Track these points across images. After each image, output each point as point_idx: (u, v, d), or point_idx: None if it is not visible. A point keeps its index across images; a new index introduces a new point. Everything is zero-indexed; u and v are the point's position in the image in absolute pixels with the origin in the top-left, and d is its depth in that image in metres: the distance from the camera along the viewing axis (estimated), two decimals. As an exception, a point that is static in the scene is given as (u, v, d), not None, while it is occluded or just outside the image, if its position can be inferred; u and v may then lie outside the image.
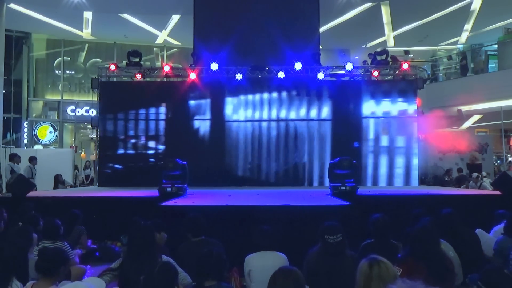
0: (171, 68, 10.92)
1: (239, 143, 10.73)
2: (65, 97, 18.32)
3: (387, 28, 16.22)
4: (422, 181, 11.07)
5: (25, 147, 16.38)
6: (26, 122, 17.43)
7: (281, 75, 10.48)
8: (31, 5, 14.41)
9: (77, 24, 16.05)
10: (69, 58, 18.67)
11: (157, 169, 7.77)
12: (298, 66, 10.36)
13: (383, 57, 10.97)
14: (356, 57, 17.26)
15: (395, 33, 16.61)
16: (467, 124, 14.26)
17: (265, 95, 10.77)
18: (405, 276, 2.36)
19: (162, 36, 17.42)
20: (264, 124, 10.75)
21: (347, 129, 10.65)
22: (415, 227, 3.50)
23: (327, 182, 8.57)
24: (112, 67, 10.82)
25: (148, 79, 11.14)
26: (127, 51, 11.37)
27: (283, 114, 10.74)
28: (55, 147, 17.44)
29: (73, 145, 17.48)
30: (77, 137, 18.60)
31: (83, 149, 18.28)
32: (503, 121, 12.87)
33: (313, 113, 10.72)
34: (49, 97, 18.63)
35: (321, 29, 12.85)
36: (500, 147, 13.92)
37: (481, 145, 13.43)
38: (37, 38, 18.31)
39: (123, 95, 10.92)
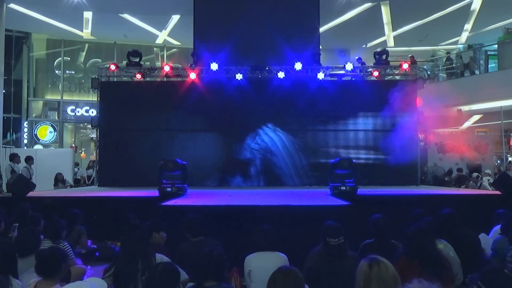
0: (171, 68, 10.93)
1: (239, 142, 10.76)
2: (65, 97, 18.32)
3: (387, 28, 16.21)
4: (422, 181, 11.07)
5: (25, 147, 16.38)
6: (26, 122, 17.44)
7: (281, 75, 10.49)
8: (31, 5, 14.41)
9: (77, 24, 16.05)
10: (69, 58, 18.67)
11: (157, 169, 7.75)
12: (298, 66, 10.36)
13: (383, 57, 10.98)
14: (356, 57, 17.24)
15: (395, 33, 16.61)
16: (467, 124, 14.25)
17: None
18: (399, 274, 2.36)
19: (162, 36, 17.42)
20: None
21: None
22: (411, 227, 3.51)
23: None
24: (112, 67, 10.83)
25: (148, 79, 11.15)
26: (127, 51, 11.39)
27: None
28: (55, 147, 17.43)
29: (73, 145, 17.48)
30: (77, 137, 18.60)
31: (83, 149, 18.27)
32: (503, 121, 12.86)
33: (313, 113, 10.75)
34: (49, 97, 18.63)
35: (321, 29, 12.86)
36: (500, 147, 13.91)
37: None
38: (37, 38, 18.31)
39: (123, 95, 10.93)
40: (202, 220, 4.28)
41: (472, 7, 14.63)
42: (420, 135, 10.80)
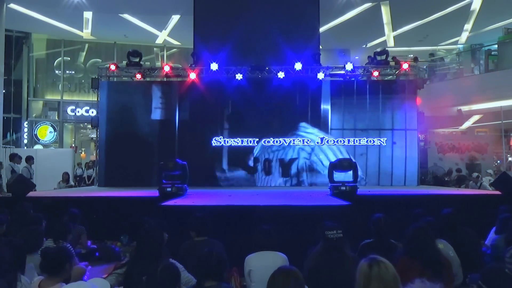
0: (171, 68, 10.93)
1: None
2: (65, 97, 18.32)
3: (387, 28, 16.22)
4: (422, 181, 11.06)
5: (25, 147, 16.38)
6: (26, 122, 17.44)
7: (281, 75, 10.49)
8: (31, 5, 14.41)
9: (77, 24, 16.05)
10: (69, 58, 18.67)
11: (157, 169, 7.75)
12: (298, 66, 10.36)
13: (383, 57, 10.97)
14: (356, 57, 17.27)
15: (395, 33, 16.61)
16: (467, 124, 14.24)
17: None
18: (399, 274, 2.36)
19: (162, 36, 17.42)
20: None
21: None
22: (410, 227, 3.51)
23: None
24: (112, 67, 10.83)
25: (148, 79, 11.14)
26: (127, 51, 11.38)
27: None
28: (55, 147, 17.44)
29: (73, 145, 17.49)
30: (77, 137, 18.60)
31: (83, 149, 18.28)
32: (503, 121, 12.86)
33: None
34: (49, 97, 18.63)
35: (321, 29, 12.86)
36: (500, 147, 13.90)
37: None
38: (37, 38, 18.31)
39: (123, 95, 10.92)
40: (209, 221, 4.29)
41: (472, 7, 14.63)
42: (420, 135, 10.78)
